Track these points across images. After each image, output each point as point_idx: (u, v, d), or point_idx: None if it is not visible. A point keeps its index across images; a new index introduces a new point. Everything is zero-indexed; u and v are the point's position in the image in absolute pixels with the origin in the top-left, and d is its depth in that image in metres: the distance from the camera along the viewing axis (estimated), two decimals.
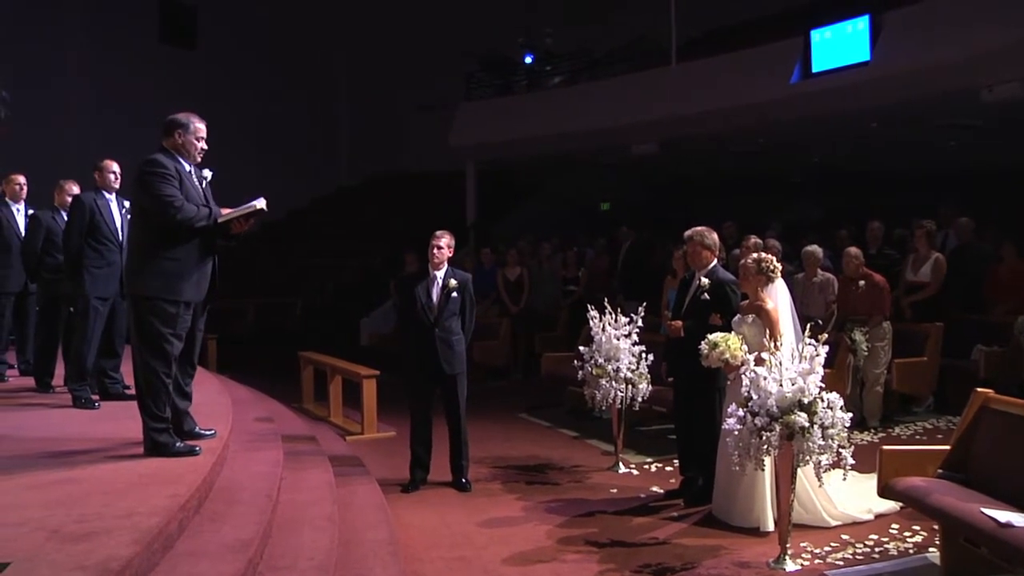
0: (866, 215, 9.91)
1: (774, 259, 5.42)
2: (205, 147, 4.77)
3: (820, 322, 7.04)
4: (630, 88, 13.97)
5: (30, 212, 7.19)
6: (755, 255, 5.51)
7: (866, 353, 7.60)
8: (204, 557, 3.41)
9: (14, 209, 7.30)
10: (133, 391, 5.78)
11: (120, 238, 6.21)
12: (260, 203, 4.67)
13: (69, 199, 6.63)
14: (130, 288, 4.67)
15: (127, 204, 6.29)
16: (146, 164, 4.58)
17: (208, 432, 4.93)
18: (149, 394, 4.52)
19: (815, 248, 8.37)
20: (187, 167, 4.69)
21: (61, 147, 13.49)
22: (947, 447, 4.60)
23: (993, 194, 12.43)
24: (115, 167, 6.32)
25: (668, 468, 6.56)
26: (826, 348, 4.44)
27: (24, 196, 7.39)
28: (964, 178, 13.15)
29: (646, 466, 6.72)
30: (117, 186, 6.31)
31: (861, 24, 11.14)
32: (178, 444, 4.54)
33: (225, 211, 4.69)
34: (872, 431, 7.52)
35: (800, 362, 4.41)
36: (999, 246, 8.77)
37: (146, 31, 17.45)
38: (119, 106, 15.35)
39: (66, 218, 6.41)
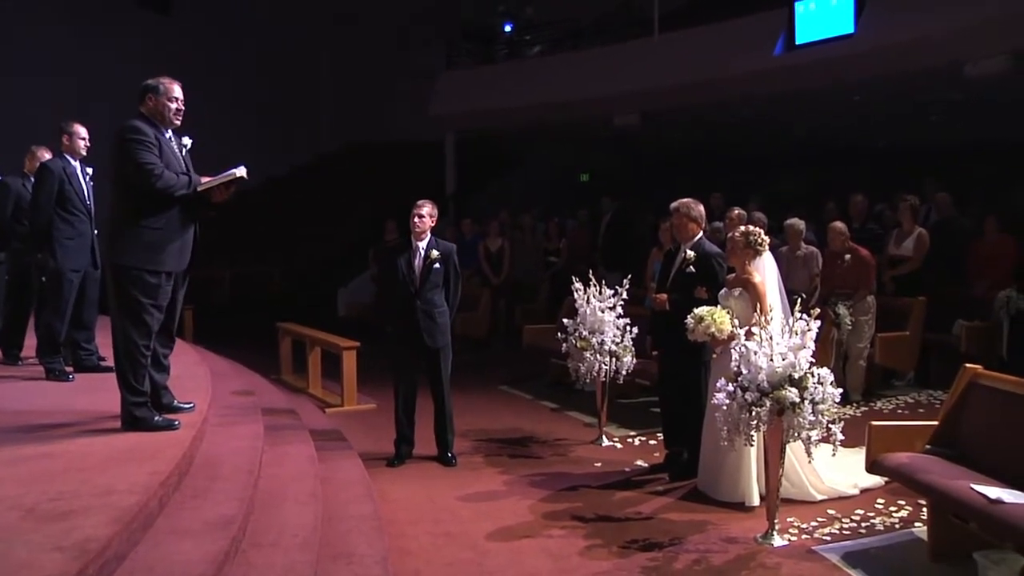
0: (850, 189, 9.87)
1: (762, 232, 5.37)
2: (181, 108, 4.61)
3: (804, 296, 7.02)
4: (612, 59, 13.81)
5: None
6: (743, 228, 5.45)
7: (850, 327, 7.63)
8: (186, 535, 3.33)
9: None
10: (108, 363, 5.70)
11: (89, 206, 6.04)
12: (240, 171, 4.54)
13: None
14: (110, 258, 4.50)
15: (90, 171, 6.12)
16: (126, 130, 4.43)
17: (187, 405, 4.82)
18: (128, 367, 4.41)
19: (797, 221, 8.33)
20: (167, 134, 4.57)
21: (30, 112, 13.12)
22: (935, 422, 4.58)
23: (976, 169, 12.44)
24: (84, 132, 6.10)
25: (652, 441, 6.54)
26: (818, 323, 4.40)
27: None
28: (947, 153, 13.14)
29: (630, 439, 6.69)
30: (85, 152, 6.11)
31: None
32: (157, 418, 4.45)
33: (204, 179, 4.56)
34: (855, 405, 7.53)
35: (791, 337, 4.36)
36: (981, 221, 8.77)
37: None
38: (92, 71, 14.96)
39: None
